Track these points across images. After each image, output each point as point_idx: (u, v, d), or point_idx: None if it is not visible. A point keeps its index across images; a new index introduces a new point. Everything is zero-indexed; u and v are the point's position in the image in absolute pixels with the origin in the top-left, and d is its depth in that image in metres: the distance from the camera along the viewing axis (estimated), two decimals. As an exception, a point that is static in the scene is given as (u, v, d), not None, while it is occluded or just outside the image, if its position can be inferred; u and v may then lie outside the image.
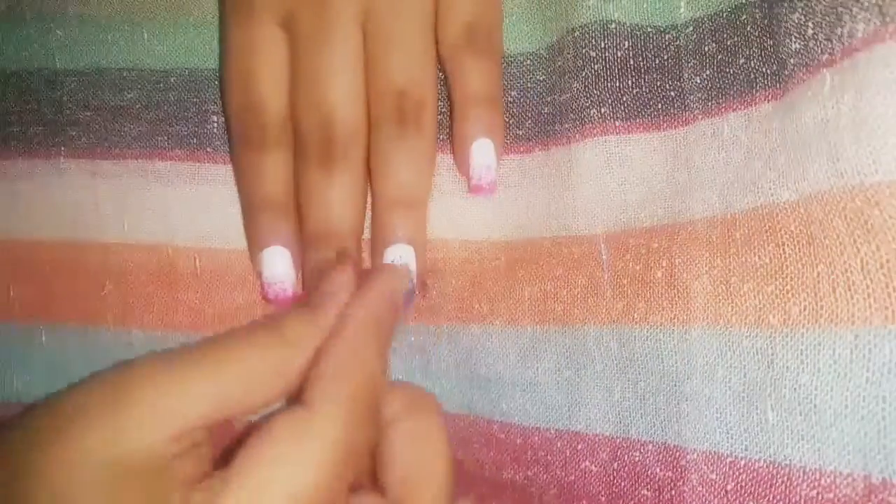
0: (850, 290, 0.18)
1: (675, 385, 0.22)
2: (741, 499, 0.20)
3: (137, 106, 0.28)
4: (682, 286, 0.22)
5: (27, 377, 0.29)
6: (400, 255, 0.25)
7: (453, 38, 0.24)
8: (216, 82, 0.28)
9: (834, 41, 0.19)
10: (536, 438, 0.24)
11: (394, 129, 0.24)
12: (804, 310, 0.19)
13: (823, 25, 0.20)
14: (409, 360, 0.26)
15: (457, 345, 0.26)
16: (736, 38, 0.23)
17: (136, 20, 0.28)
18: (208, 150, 0.28)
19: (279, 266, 0.25)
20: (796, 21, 0.21)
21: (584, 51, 0.24)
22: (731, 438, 0.20)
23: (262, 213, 0.25)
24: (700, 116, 0.23)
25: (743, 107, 0.22)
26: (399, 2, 0.24)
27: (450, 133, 0.26)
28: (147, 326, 0.27)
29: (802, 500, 0.19)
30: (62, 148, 0.29)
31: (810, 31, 0.20)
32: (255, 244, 0.26)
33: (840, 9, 0.19)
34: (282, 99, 0.25)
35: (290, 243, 0.25)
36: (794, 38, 0.21)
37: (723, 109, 0.23)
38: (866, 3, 0.19)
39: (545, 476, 0.24)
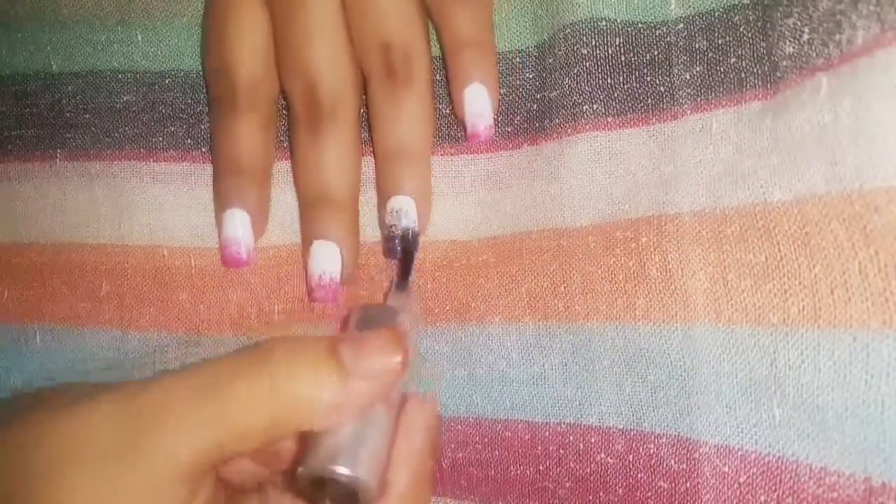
0: (847, 292, 0.18)
1: (684, 379, 0.22)
2: (753, 491, 0.20)
3: (133, 108, 0.28)
4: (679, 283, 0.22)
5: (22, 377, 0.29)
6: (400, 206, 0.25)
7: None
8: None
9: (831, 47, 0.20)
10: (547, 433, 0.24)
11: (385, 83, 0.24)
12: (803, 310, 0.19)
13: (820, 31, 0.20)
14: None
15: (455, 345, 0.25)
16: (728, 38, 0.23)
17: (130, 22, 0.29)
18: (203, 150, 0.28)
19: (238, 228, 0.25)
20: (791, 25, 0.21)
21: (575, 48, 0.24)
22: (742, 433, 0.21)
23: (228, 176, 0.26)
24: (689, 111, 0.23)
25: (732, 104, 0.22)
26: None
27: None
28: (142, 327, 0.27)
29: (810, 497, 0.19)
30: (58, 150, 0.29)
31: (806, 36, 0.20)
32: (218, 205, 0.26)
33: (839, 16, 0.19)
34: (256, 63, 0.25)
35: (253, 208, 0.26)
36: (788, 42, 0.21)
37: (712, 105, 0.23)
38: (865, 11, 0.19)
39: (558, 469, 0.24)
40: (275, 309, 0.27)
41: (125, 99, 0.28)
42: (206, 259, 0.27)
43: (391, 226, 0.25)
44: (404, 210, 0.25)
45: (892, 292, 0.18)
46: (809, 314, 0.19)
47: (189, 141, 0.28)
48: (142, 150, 0.28)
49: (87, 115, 0.29)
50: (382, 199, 0.25)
